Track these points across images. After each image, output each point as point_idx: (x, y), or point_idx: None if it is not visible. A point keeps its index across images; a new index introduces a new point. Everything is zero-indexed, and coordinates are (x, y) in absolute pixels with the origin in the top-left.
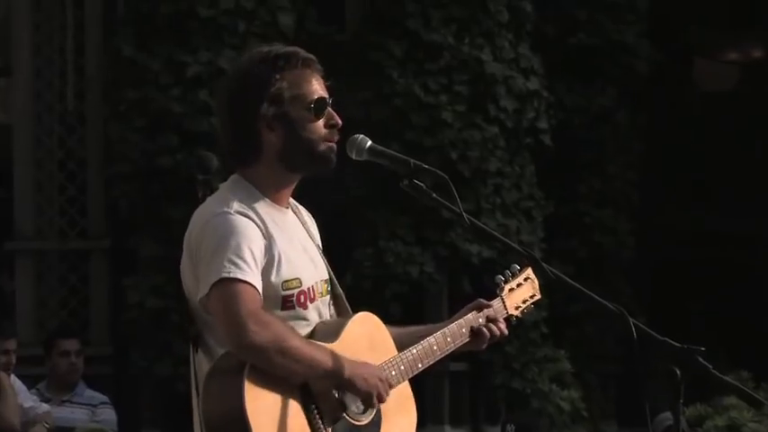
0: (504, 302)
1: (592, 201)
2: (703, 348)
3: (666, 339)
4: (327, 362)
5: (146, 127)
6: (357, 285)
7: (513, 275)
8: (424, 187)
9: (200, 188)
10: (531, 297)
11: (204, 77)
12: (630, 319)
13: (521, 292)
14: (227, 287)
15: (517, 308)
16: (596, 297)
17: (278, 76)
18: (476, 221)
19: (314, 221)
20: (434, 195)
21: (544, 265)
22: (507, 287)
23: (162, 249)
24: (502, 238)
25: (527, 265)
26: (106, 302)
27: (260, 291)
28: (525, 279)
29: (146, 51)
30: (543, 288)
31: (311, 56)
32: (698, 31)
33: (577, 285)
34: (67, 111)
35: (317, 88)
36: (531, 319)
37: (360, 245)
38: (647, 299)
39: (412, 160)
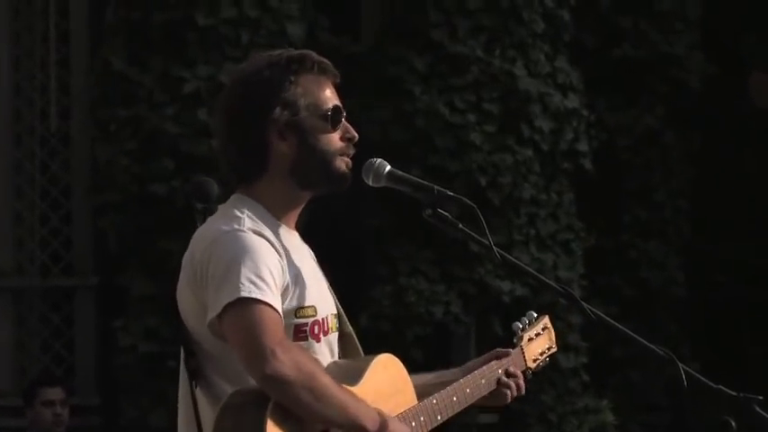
0: (523, 354)
1: (637, 232)
2: (761, 397)
3: (721, 387)
4: (358, 410)
5: (138, 150)
6: (374, 327)
7: (531, 324)
8: (450, 217)
9: (199, 218)
10: (549, 349)
11: (203, 94)
12: (680, 365)
13: (538, 343)
14: (247, 308)
15: (534, 360)
16: (642, 340)
17: (291, 80)
18: (507, 256)
19: (313, 255)
20: (461, 226)
21: (584, 304)
22: (526, 336)
23: (156, 287)
24: (536, 274)
25: (544, 314)
26: (93, 346)
27: (282, 316)
28: (543, 329)
29: (137, 65)
30: (583, 331)
31: (326, 60)
32: (755, 42)
33: (621, 327)
34: (50, 131)
35: (332, 96)
36: (569, 365)
37: (377, 282)
38: (699, 342)
39: (436, 187)
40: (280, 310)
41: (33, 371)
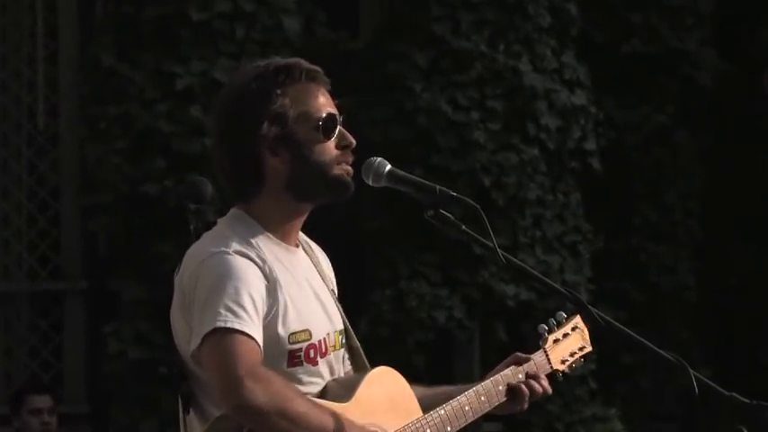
0: (547, 356)
1: (647, 234)
2: None
3: (733, 394)
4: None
5: (128, 148)
6: (374, 333)
7: (559, 324)
8: (452, 219)
9: (192, 220)
10: (581, 350)
11: (196, 91)
12: (692, 372)
13: (568, 343)
14: (222, 339)
15: (563, 362)
16: (652, 346)
17: (279, 92)
18: (512, 258)
19: (328, 261)
20: (464, 228)
21: (591, 309)
22: (551, 338)
23: (147, 291)
24: (542, 277)
25: (575, 313)
26: (83, 353)
27: (260, 343)
28: (573, 329)
29: (128, 61)
30: (591, 336)
31: (316, 67)
32: None
33: (630, 333)
34: (38, 130)
35: (325, 104)
36: (576, 372)
37: (377, 286)
38: (711, 348)
39: (438, 187)
40: (258, 338)
41: (21, 378)
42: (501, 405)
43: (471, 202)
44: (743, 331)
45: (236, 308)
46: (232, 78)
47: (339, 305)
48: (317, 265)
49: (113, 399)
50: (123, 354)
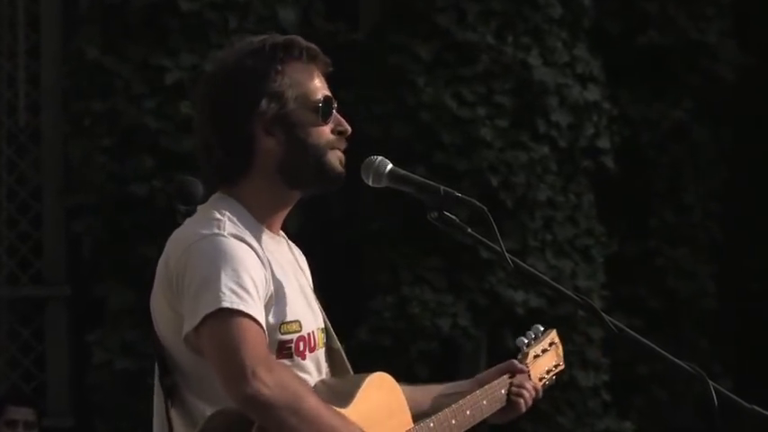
0: (528, 372)
1: (664, 237)
2: None
3: (755, 407)
4: None
5: (115, 146)
6: (374, 341)
7: (537, 339)
8: (458, 221)
9: (182, 222)
10: (556, 366)
11: (186, 85)
12: (711, 383)
13: (545, 360)
14: (228, 320)
15: (540, 379)
16: (669, 356)
17: (279, 68)
18: (521, 263)
19: (304, 258)
20: (470, 231)
21: (605, 316)
22: (531, 353)
23: (134, 298)
24: (553, 283)
25: (551, 328)
26: (66, 363)
27: (265, 330)
28: (550, 344)
29: (114, 54)
30: (605, 346)
31: (314, 46)
32: None
33: (646, 342)
34: (19, 127)
35: (321, 86)
36: (589, 383)
37: (378, 292)
38: (731, 357)
39: (442, 187)
40: (263, 324)
41: (0, 389)
42: (495, 414)
43: (477, 203)
44: (765, 340)
45: (239, 289)
46: (224, 55)
47: (319, 304)
48: (297, 259)
49: (99, 411)
50: (109, 364)
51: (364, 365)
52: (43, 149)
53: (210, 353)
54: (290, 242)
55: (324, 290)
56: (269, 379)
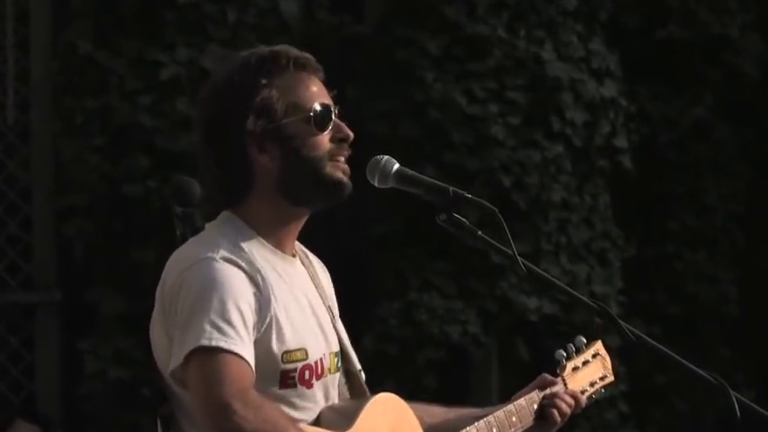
0: (565, 384)
1: (684, 241)
2: None
3: None
4: None
5: (108, 145)
6: (380, 350)
7: (579, 351)
8: (468, 223)
9: (179, 224)
10: (602, 379)
11: (183, 81)
12: (733, 393)
13: (588, 372)
14: (209, 358)
15: (583, 392)
16: (689, 365)
17: (264, 82)
18: (534, 267)
19: (328, 276)
20: (480, 233)
21: (622, 323)
22: (570, 365)
23: (128, 304)
24: (568, 289)
25: (596, 339)
26: (57, 372)
27: (251, 363)
28: (594, 355)
29: (107, 48)
30: (622, 354)
31: (305, 54)
32: None
33: (665, 350)
34: (7, 125)
35: (317, 94)
36: (605, 394)
37: (383, 298)
38: (753, 366)
39: (451, 188)
40: (249, 358)
41: None
42: (532, 428)
43: (488, 204)
44: None
45: (222, 324)
46: (216, 71)
47: (337, 325)
48: (314, 278)
49: (91, 423)
50: (102, 373)
51: (370, 375)
52: (33, 148)
53: (192, 389)
54: (311, 260)
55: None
56: (247, 413)
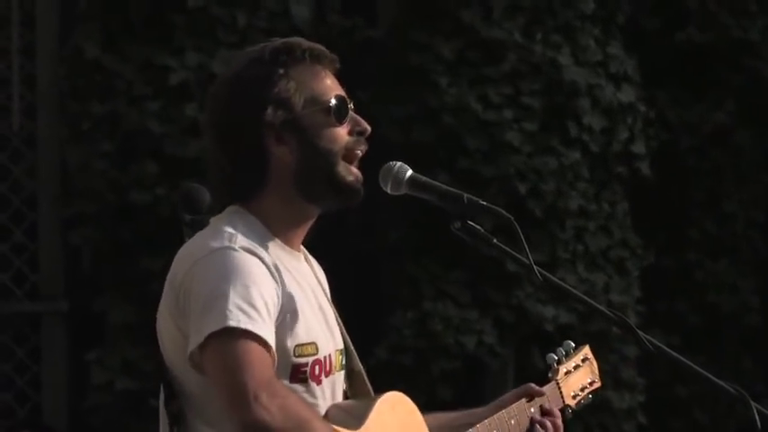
0: (559, 389)
1: (704, 249)
2: None
3: None
4: None
5: (115, 152)
6: (394, 360)
7: (568, 355)
8: (483, 231)
9: (188, 232)
10: (591, 384)
11: (192, 87)
12: (754, 405)
13: (578, 376)
14: (233, 341)
15: (574, 397)
16: (710, 376)
17: (281, 72)
18: (550, 276)
19: (324, 276)
20: (496, 241)
21: (641, 333)
22: (563, 369)
23: (136, 314)
24: (585, 298)
25: (584, 343)
26: (64, 383)
27: (274, 352)
28: (583, 360)
29: (115, 53)
30: (641, 364)
31: (320, 46)
32: None
33: (685, 361)
34: (13, 131)
35: (333, 86)
36: (623, 405)
37: (397, 307)
38: None
39: (466, 195)
40: (272, 344)
41: None
42: None
43: (504, 212)
44: None
45: (247, 307)
46: (225, 71)
47: (340, 322)
48: (316, 275)
49: None
50: (109, 384)
51: (383, 385)
52: (39, 155)
53: (213, 374)
54: (309, 257)
55: (339, 306)
56: (272, 404)
